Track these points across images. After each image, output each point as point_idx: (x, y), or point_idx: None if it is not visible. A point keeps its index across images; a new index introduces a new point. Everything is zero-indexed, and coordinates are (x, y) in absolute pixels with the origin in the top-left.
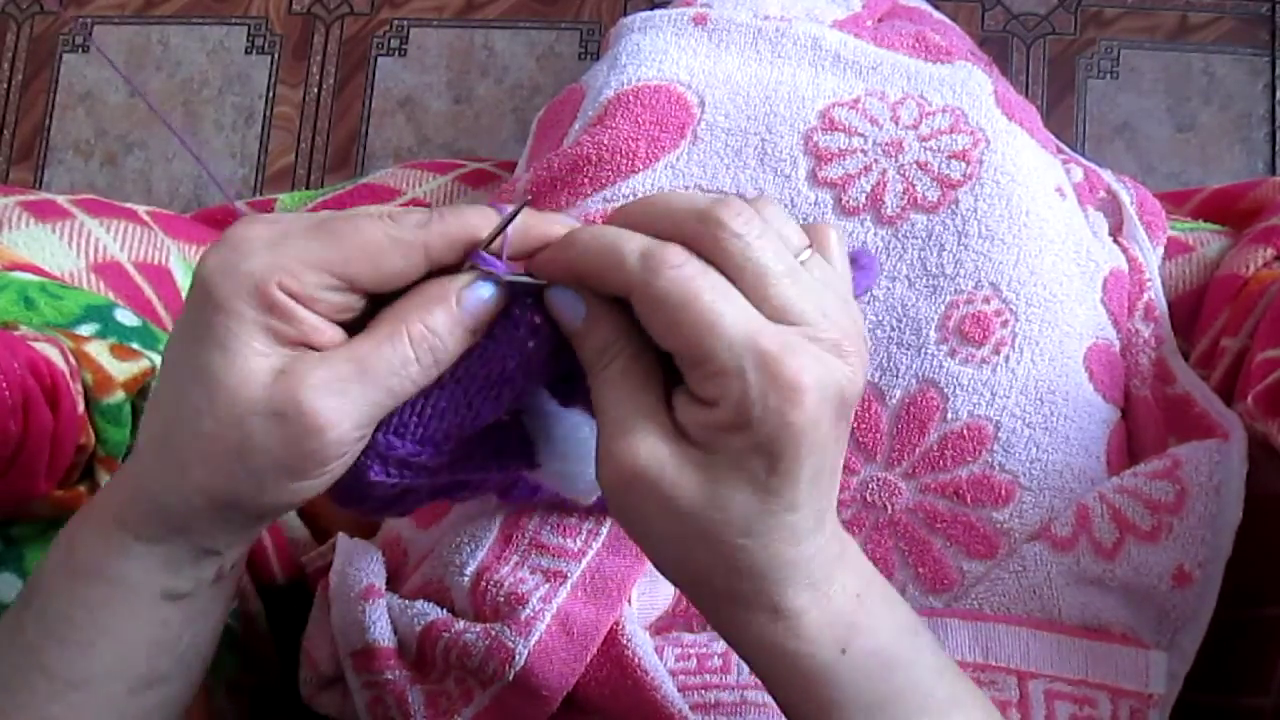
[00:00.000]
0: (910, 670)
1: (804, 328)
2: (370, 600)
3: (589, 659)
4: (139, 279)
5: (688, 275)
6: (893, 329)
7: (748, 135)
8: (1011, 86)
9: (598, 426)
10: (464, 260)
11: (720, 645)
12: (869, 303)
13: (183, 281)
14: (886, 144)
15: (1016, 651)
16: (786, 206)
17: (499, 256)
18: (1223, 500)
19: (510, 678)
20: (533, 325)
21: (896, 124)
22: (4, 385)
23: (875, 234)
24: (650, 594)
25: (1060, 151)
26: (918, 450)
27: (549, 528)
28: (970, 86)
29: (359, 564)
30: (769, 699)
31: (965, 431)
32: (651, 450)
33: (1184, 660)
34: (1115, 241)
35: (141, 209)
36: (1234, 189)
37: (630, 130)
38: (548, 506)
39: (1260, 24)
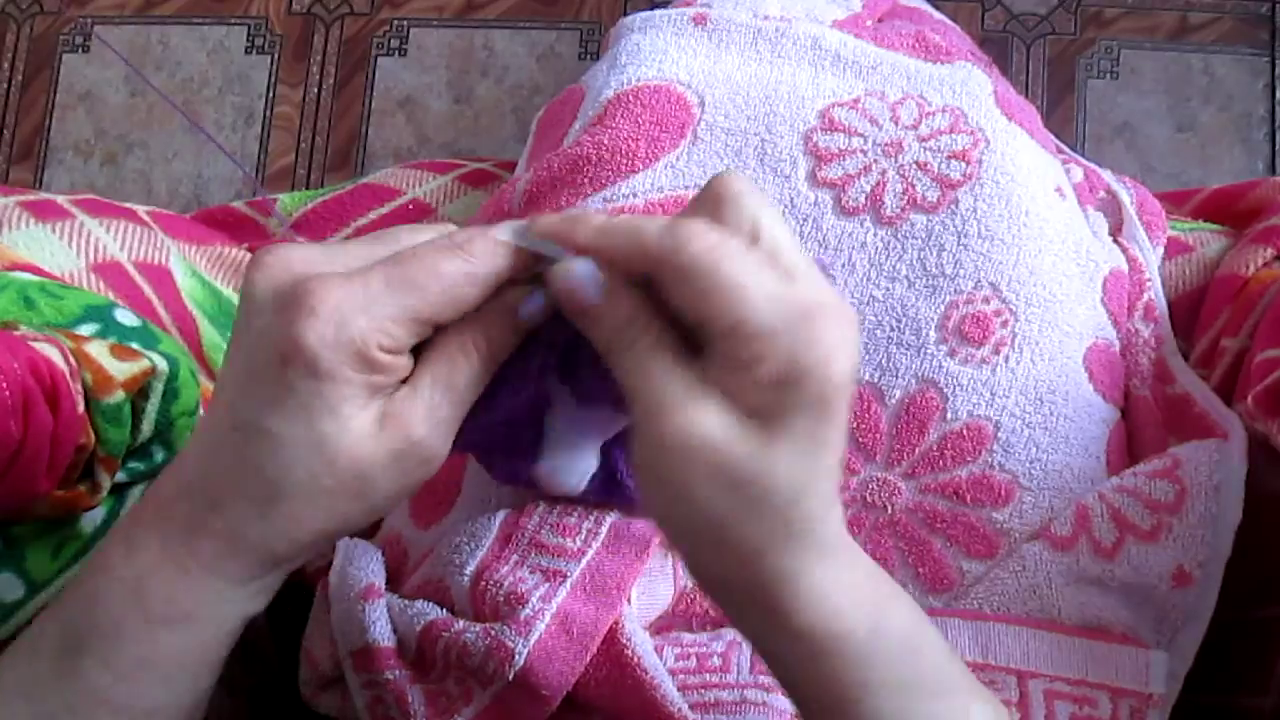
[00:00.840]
0: (931, 653)
1: (807, 288)
2: (370, 600)
3: (589, 658)
4: (139, 279)
5: (713, 243)
6: (892, 329)
7: (748, 135)
8: (1011, 86)
9: (636, 407)
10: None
11: (720, 645)
12: (869, 303)
13: (182, 281)
14: (886, 144)
15: (1016, 651)
16: (786, 207)
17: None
18: (1223, 500)
19: (510, 677)
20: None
21: (896, 124)
22: (4, 385)
23: (875, 234)
24: (650, 593)
25: (1060, 151)
26: (917, 450)
27: (548, 527)
28: (970, 86)
29: (359, 564)
30: (769, 698)
31: (965, 431)
32: (707, 421)
33: (1184, 660)
34: (1115, 241)
35: (141, 209)
36: (1234, 189)
37: (630, 130)
38: (547, 506)
39: (1260, 24)
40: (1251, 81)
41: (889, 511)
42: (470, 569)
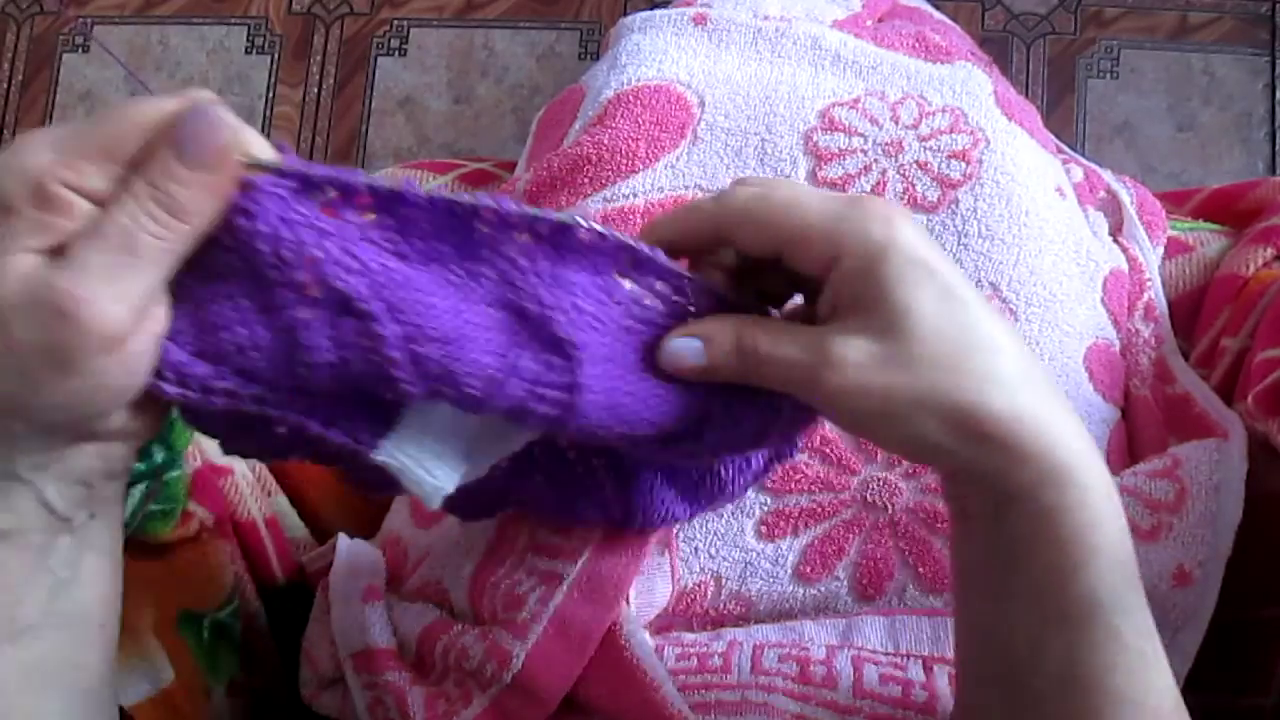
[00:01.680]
0: (1128, 543)
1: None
2: (370, 601)
3: (587, 660)
4: None
5: (753, 186)
6: None
7: (748, 135)
8: (1011, 86)
9: (801, 395)
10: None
11: (720, 645)
12: None
13: None
14: (886, 144)
15: None
16: None
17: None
18: (1223, 499)
19: (508, 680)
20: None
21: (896, 124)
22: None
23: None
24: (648, 592)
25: (1060, 151)
26: None
27: (545, 528)
28: (970, 86)
29: (359, 565)
30: (770, 699)
31: None
32: (847, 356)
33: (1184, 659)
34: (1115, 241)
35: None
36: (1234, 189)
37: (630, 130)
38: None
39: (1260, 24)
40: (1251, 81)
41: (889, 511)
42: (468, 571)
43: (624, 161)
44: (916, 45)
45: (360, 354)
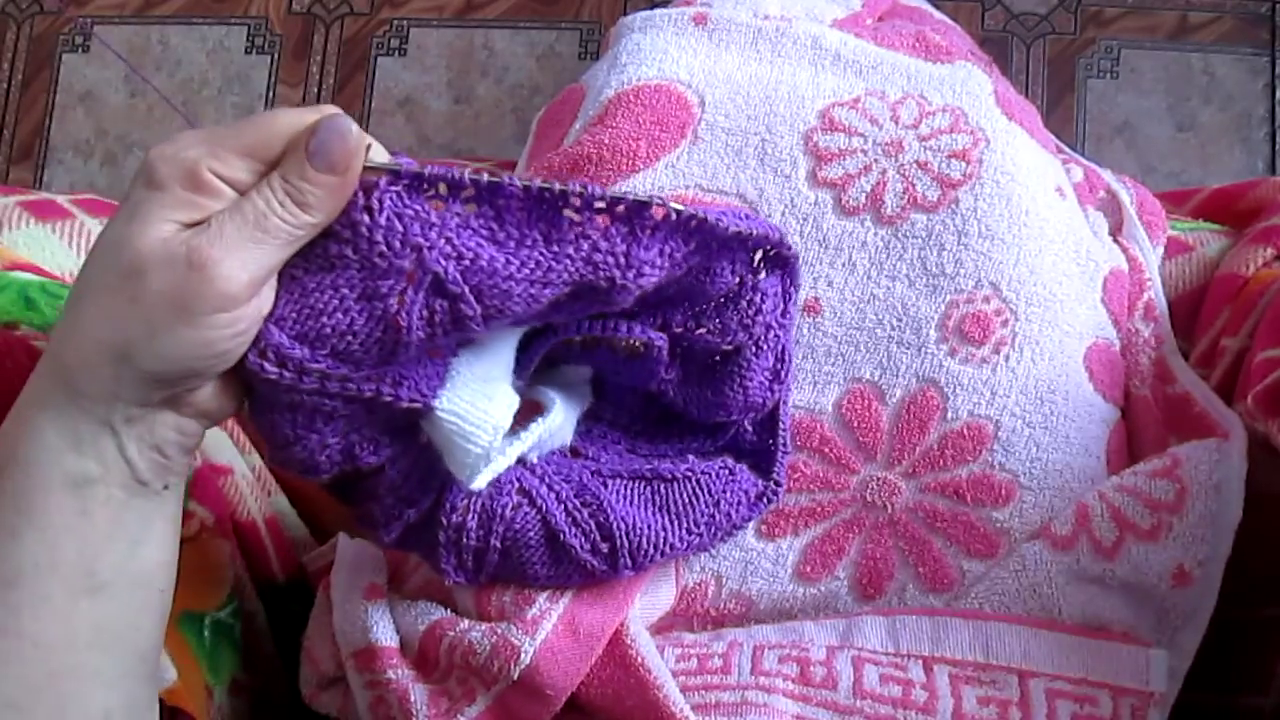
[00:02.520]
0: None
1: None
2: (373, 600)
3: (594, 659)
4: None
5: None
6: (893, 328)
7: (748, 135)
8: (1011, 86)
9: None
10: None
11: (721, 645)
12: (869, 302)
13: None
14: (886, 144)
15: (1017, 650)
16: (786, 206)
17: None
18: (1223, 499)
19: (515, 676)
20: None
21: (896, 123)
22: (15, 383)
23: (875, 233)
24: (652, 594)
25: (1060, 151)
26: (918, 449)
27: None
28: (970, 86)
29: (361, 563)
30: (769, 699)
31: (965, 431)
32: None
33: (1184, 659)
34: (1115, 241)
35: None
36: (1234, 189)
37: (631, 130)
38: None
39: (1260, 24)
40: (1251, 81)
41: (889, 511)
42: None
43: (624, 161)
44: (917, 45)
45: (446, 327)
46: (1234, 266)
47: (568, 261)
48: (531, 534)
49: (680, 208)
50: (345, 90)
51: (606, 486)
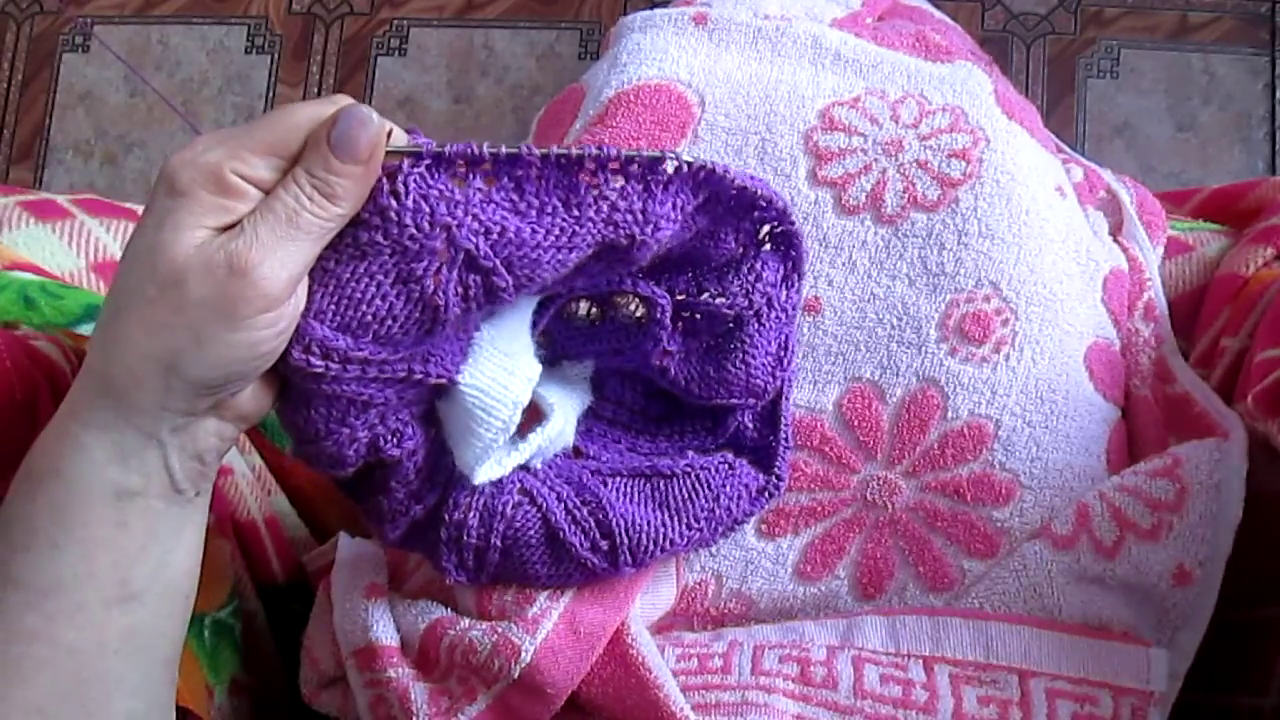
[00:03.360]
0: None
1: None
2: (373, 599)
3: (595, 658)
4: None
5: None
6: (893, 327)
7: (748, 134)
8: (1011, 86)
9: None
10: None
11: (721, 645)
12: (869, 301)
13: None
14: (886, 143)
15: (1017, 650)
16: None
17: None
18: (1223, 499)
19: (516, 675)
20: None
21: (896, 123)
22: (14, 383)
23: (875, 233)
24: (653, 594)
25: (1060, 151)
26: (918, 449)
27: None
28: (970, 86)
29: (361, 562)
30: (769, 699)
31: (966, 430)
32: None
33: (1184, 658)
34: (1115, 241)
35: (141, 209)
36: (1234, 189)
37: (631, 129)
38: None
39: (1260, 24)
40: (1251, 81)
41: (889, 510)
42: None
43: None
44: (917, 44)
45: (481, 300)
46: (1234, 266)
47: (589, 224)
48: (532, 532)
49: (690, 159)
50: (345, 90)
51: (606, 485)
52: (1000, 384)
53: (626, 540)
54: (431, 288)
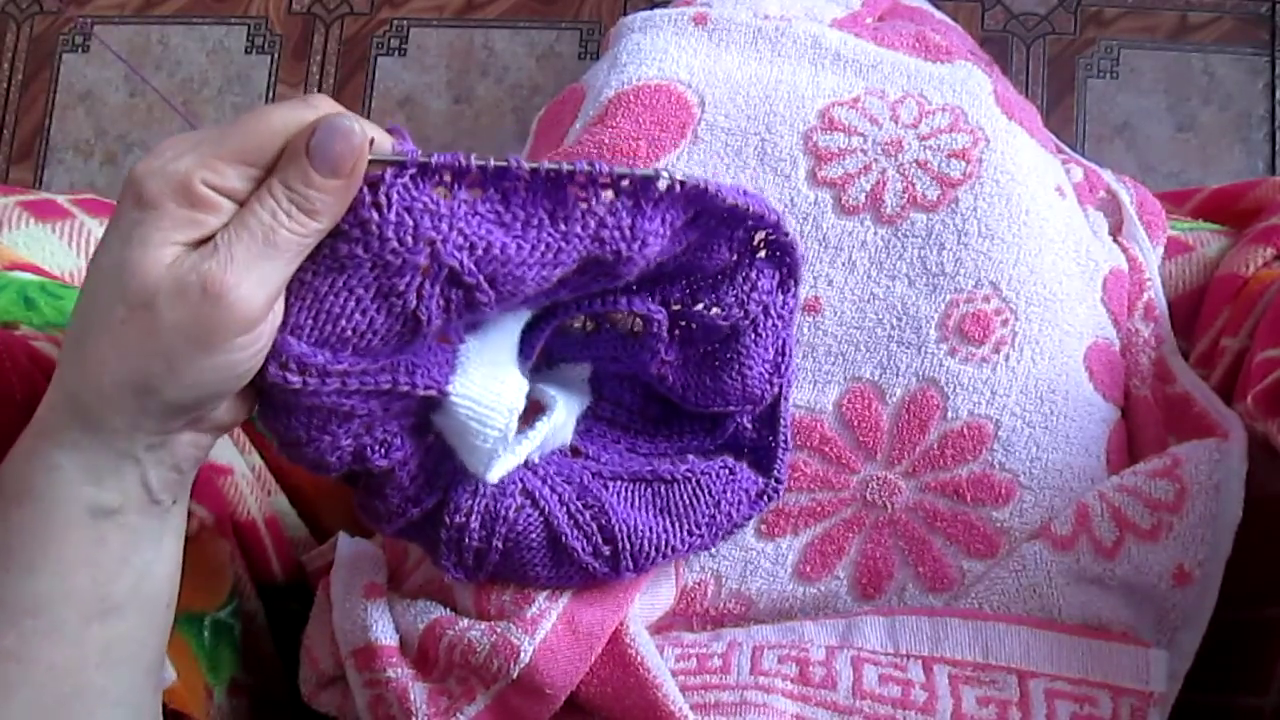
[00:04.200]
0: None
1: None
2: (372, 599)
3: (593, 659)
4: None
5: None
6: (893, 328)
7: (748, 135)
8: (1011, 86)
9: None
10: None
11: (720, 645)
12: (869, 301)
13: None
14: (886, 143)
15: (1017, 650)
16: (786, 206)
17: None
18: (1223, 499)
19: (515, 675)
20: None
21: (896, 123)
22: (14, 383)
23: (875, 233)
24: (652, 594)
25: (1060, 151)
26: (918, 449)
27: None
28: (970, 86)
29: (360, 562)
30: (768, 699)
31: (965, 430)
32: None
33: (1184, 659)
34: (1115, 241)
35: None
36: (1234, 189)
37: (631, 130)
38: None
39: (1260, 24)
40: (1251, 81)
41: (889, 510)
42: None
43: (624, 161)
44: (916, 44)
45: (460, 311)
46: (1234, 266)
47: (576, 240)
48: (534, 536)
49: (684, 179)
50: (345, 90)
51: (608, 489)
52: (1000, 384)
53: (629, 546)
54: (414, 302)
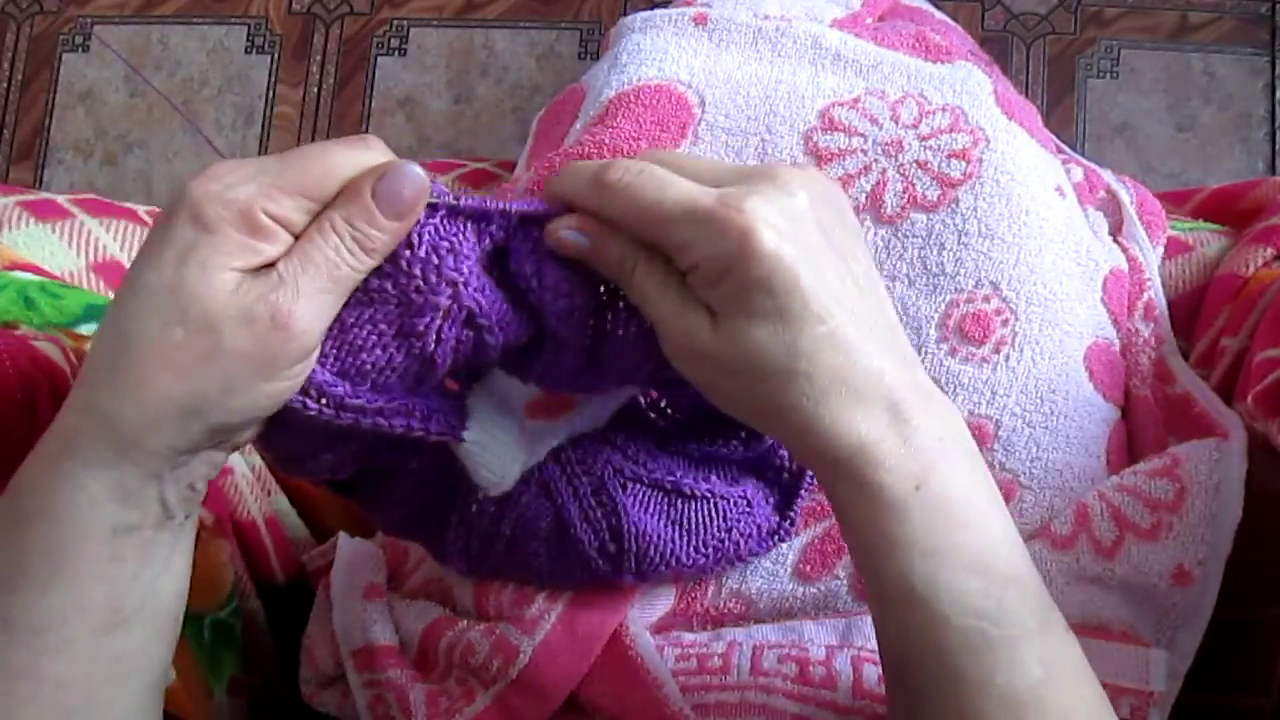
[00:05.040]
0: (977, 531)
1: (740, 183)
2: (372, 599)
3: (593, 659)
4: None
5: (629, 177)
6: None
7: (748, 135)
8: (1011, 86)
9: (655, 327)
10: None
11: (720, 645)
12: None
13: None
14: (886, 143)
15: None
16: None
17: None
18: (1223, 499)
19: (514, 676)
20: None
21: (896, 123)
22: (13, 382)
23: (875, 233)
24: (652, 594)
25: (1060, 151)
26: None
27: None
28: (970, 86)
29: (361, 563)
30: (769, 700)
31: None
32: (688, 327)
33: (1184, 658)
34: (1115, 241)
35: (141, 209)
36: (1234, 189)
37: (631, 130)
38: None
39: (1260, 24)
40: (1251, 81)
41: None
42: None
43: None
44: (916, 44)
45: (472, 356)
46: (1234, 266)
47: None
48: (542, 523)
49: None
50: (345, 90)
51: (625, 490)
52: (1000, 384)
53: (635, 548)
54: (432, 345)
